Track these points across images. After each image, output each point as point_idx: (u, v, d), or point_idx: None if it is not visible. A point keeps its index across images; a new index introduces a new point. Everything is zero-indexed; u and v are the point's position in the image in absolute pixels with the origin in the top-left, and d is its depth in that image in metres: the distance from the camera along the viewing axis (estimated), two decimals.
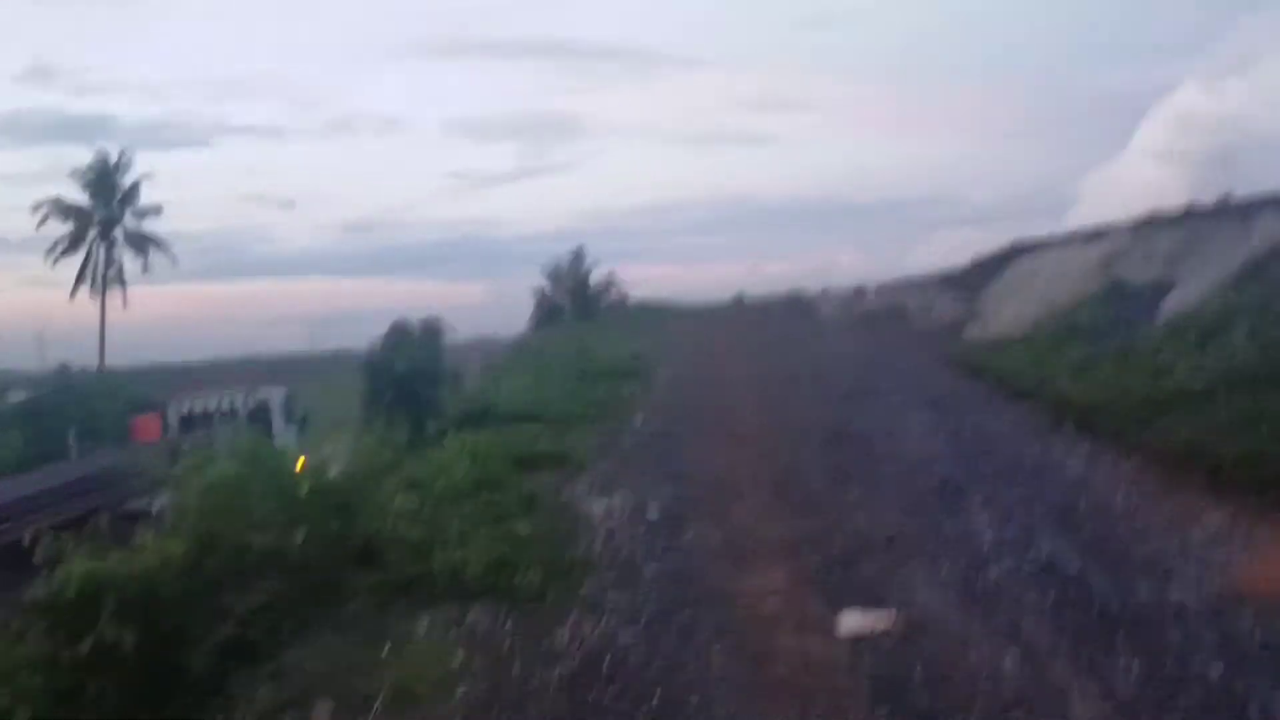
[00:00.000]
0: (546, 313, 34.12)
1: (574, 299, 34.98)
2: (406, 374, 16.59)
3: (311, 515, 7.89)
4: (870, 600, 6.58)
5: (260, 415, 23.15)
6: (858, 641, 6.01)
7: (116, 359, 48.91)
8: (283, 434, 23.23)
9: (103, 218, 48.09)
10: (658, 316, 35.59)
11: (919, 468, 10.47)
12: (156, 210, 48.86)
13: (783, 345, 22.25)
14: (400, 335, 17.15)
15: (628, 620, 6.64)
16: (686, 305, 44.65)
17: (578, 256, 38.77)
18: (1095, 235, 20.33)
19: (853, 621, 6.28)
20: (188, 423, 24.74)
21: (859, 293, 33.74)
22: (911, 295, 28.22)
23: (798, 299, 42.08)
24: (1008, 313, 19.86)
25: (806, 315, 31.48)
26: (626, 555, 8.34)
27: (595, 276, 39.31)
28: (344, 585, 7.87)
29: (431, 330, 17.49)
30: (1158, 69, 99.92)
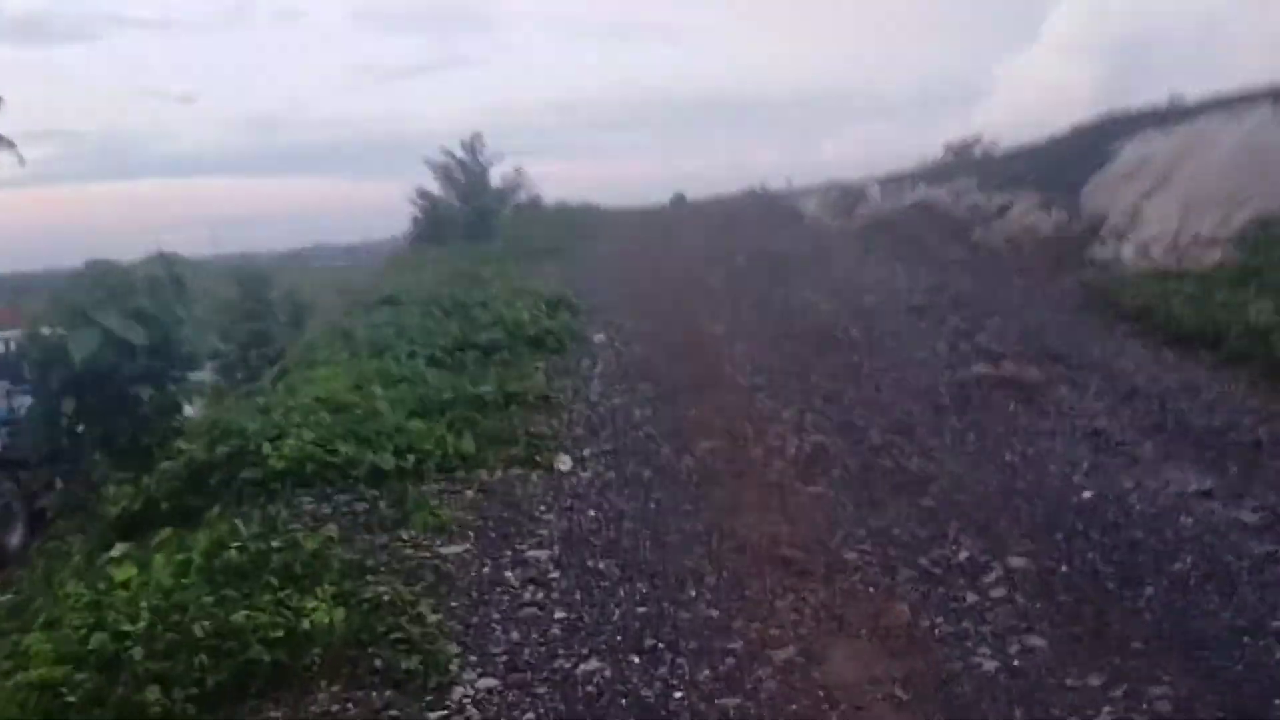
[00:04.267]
0: (430, 224, 25.73)
1: (467, 204, 26.59)
2: (98, 371, 8.69)
3: None
4: None
5: None
6: None
7: None
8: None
9: None
10: (582, 226, 27.66)
11: None
12: None
13: (791, 281, 14.71)
14: (99, 292, 9.09)
15: None
16: (616, 209, 36.88)
17: (472, 149, 30.28)
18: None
19: None
20: None
21: (851, 192, 26.26)
22: (939, 193, 20.89)
23: (762, 199, 34.59)
24: (1161, 218, 12.70)
25: (787, 223, 23.95)
26: None
27: (497, 174, 31.04)
28: None
29: (156, 281, 9.42)
30: None
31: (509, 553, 6.11)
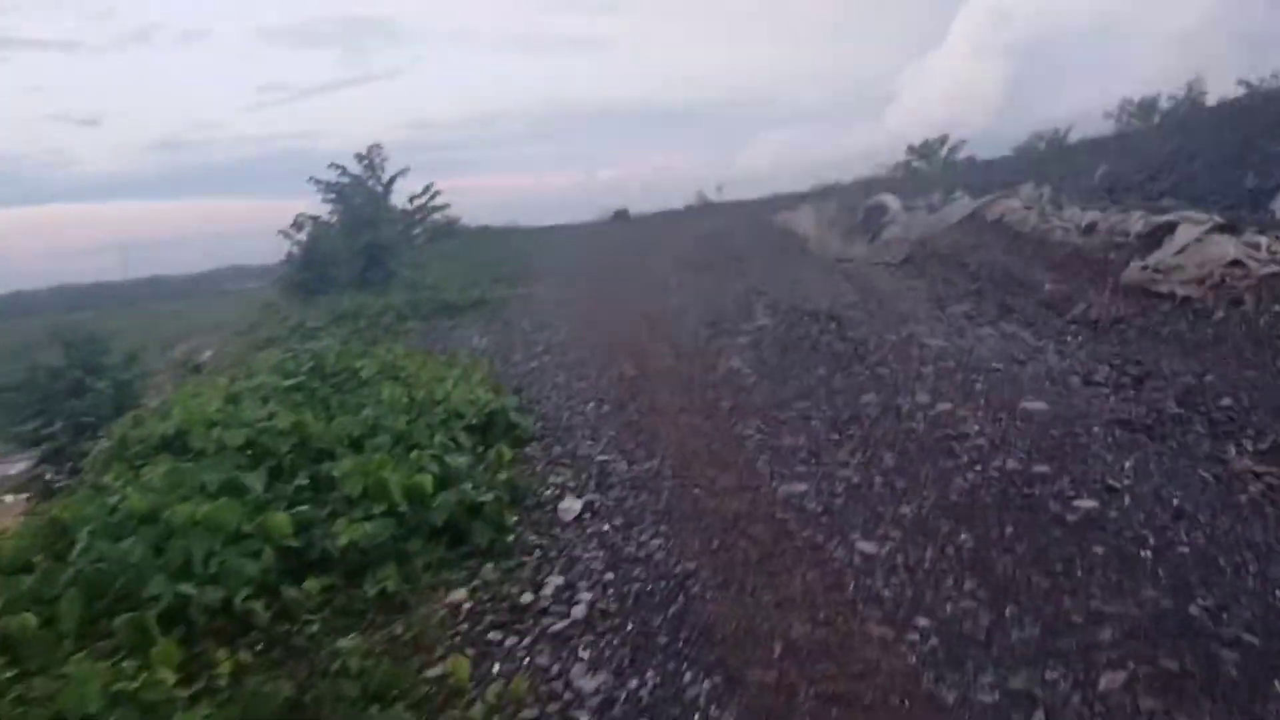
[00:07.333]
0: (308, 266, 19.56)
1: (359, 237, 20.55)
2: None
3: None
4: None
5: None
6: None
7: None
8: None
9: None
10: (512, 259, 21.98)
11: None
12: None
13: (873, 370, 9.25)
14: None
15: None
16: (547, 229, 31.42)
17: (370, 164, 24.44)
18: None
19: None
20: None
21: (856, 204, 21.06)
22: (1010, 205, 15.76)
23: (732, 214, 29.39)
24: None
25: (786, 250, 18.56)
26: None
27: (404, 194, 25.28)
28: None
29: None
30: None
31: None
